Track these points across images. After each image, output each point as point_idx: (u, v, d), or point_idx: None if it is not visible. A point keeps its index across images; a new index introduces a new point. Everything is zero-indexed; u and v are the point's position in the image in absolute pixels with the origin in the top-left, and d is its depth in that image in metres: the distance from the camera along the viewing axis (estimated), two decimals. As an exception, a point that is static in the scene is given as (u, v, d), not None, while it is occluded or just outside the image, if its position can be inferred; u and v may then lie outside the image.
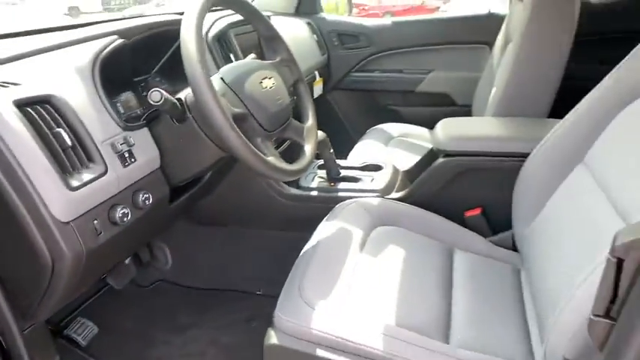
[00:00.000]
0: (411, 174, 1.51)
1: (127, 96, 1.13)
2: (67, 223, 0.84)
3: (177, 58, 1.20)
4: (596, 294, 0.54)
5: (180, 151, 1.08)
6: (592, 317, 0.54)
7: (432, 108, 2.28)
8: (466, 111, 2.02)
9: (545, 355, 0.77)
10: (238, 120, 0.98)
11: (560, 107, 1.22)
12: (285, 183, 1.51)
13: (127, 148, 0.97)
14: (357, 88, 2.43)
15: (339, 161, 1.54)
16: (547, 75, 1.41)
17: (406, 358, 0.85)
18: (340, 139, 2.11)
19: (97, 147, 0.91)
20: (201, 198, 1.44)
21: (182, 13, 0.97)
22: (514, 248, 1.21)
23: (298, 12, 2.36)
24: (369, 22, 2.39)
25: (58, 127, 0.85)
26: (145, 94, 1.19)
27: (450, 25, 2.31)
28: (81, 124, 0.89)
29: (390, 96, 2.40)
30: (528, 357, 0.88)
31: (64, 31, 1.17)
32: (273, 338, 0.93)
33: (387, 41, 2.33)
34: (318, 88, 2.24)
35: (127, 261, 1.46)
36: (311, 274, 1.01)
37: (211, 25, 1.46)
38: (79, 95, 0.92)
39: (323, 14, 2.44)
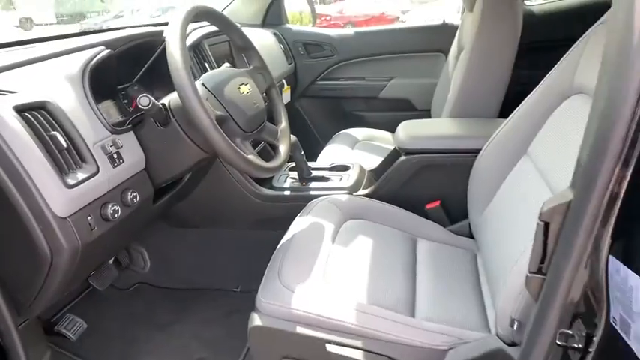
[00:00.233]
0: (377, 172, 1.63)
1: (107, 104, 1.19)
2: (65, 218, 0.90)
3: (155, 67, 1.28)
4: (530, 255, 0.65)
5: (164, 153, 1.16)
6: (528, 274, 0.66)
7: (393, 113, 2.36)
8: (425, 115, 2.13)
9: (496, 319, 0.89)
10: (219, 122, 1.06)
11: (508, 108, 1.31)
12: (259, 184, 1.59)
13: (116, 150, 1.04)
14: (323, 95, 2.51)
15: (309, 163, 1.63)
16: (496, 79, 1.54)
17: (377, 329, 0.95)
18: (308, 144, 2.19)
19: (89, 149, 0.98)
20: (180, 200, 1.50)
21: (164, 24, 1.04)
22: (470, 235, 1.33)
23: (265, 23, 2.44)
24: (333, 32, 2.47)
25: (54, 130, 0.92)
26: (125, 101, 1.26)
27: (409, 35, 2.40)
28: (74, 128, 0.96)
29: (355, 102, 2.48)
30: (483, 324, 1.00)
31: (54, 42, 1.23)
32: (256, 320, 1.02)
33: (350, 50, 2.41)
34: (285, 96, 2.31)
35: (110, 261, 1.51)
36: (289, 262, 1.10)
37: (187, 37, 1.53)
38: (71, 101, 0.99)
39: (288, 25, 2.52)
